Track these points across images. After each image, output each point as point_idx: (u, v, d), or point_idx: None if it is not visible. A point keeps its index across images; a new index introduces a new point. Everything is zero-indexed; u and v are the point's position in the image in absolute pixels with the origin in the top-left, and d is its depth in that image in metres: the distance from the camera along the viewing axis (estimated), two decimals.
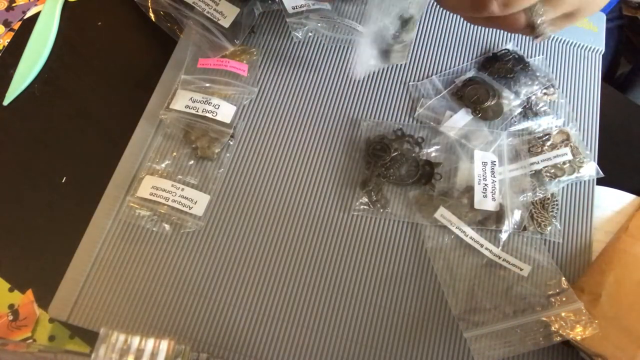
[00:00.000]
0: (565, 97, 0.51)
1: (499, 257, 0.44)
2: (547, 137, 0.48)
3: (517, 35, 0.54)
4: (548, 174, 0.47)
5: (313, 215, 0.46)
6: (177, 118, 0.47)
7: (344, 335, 0.42)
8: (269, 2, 0.51)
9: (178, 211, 0.45)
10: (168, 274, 0.43)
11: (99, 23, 0.54)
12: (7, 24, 0.54)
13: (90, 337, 0.43)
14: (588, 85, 0.52)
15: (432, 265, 0.45)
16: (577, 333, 0.40)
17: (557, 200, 0.47)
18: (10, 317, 0.43)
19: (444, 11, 0.55)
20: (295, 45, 0.52)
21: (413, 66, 0.52)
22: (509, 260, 0.44)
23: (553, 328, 0.41)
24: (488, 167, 0.46)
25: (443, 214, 0.45)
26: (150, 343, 0.33)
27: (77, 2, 0.54)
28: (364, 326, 0.43)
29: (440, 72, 0.52)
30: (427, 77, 0.52)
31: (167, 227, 0.45)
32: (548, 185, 0.47)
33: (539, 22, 0.34)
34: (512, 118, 0.49)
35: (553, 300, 0.42)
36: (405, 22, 0.42)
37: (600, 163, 0.48)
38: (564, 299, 0.42)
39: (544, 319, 0.41)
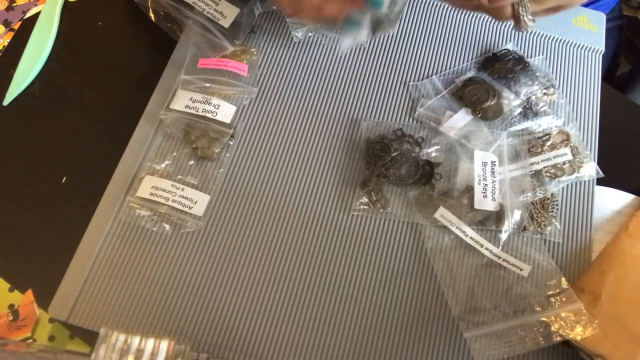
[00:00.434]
0: (565, 97, 0.51)
1: (499, 257, 0.44)
2: (547, 137, 0.48)
3: (517, 35, 0.54)
4: (548, 174, 0.47)
5: (313, 215, 0.46)
6: (177, 118, 0.47)
7: (344, 335, 0.42)
8: (269, 2, 0.51)
9: (178, 211, 0.45)
10: (168, 274, 0.43)
11: (99, 23, 0.54)
12: (7, 24, 0.54)
13: (90, 337, 0.43)
14: (588, 85, 0.52)
15: (432, 265, 0.45)
16: (577, 333, 0.40)
17: (557, 200, 0.47)
18: (10, 317, 0.43)
19: (444, 11, 0.55)
20: (295, 45, 0.52)
21: (413, 66, 0.52)
22: (509, 260, 0.44)
23: (553, 328, 0.41)
24: (488, 167, 0.46)
25: (443, 214, 0.45)
26: (150, 343, 0.33)
27: (77, 2, 0.54)
28: (364, 326, 0.43)
29: (440, 72, 0.52)
30: (427, 77, 0.52)
31: (167, 227, 0.45)
32: (548, 185, 0.47)
33: (523, 15, 0.36)
34: (512, 118, 0.49)
35: (553, 300, 0.42)
36: None
37: (600, 163, 0.48)
38: (564, 299, 0.42)
39: (544, 319, 0.41)
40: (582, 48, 0.54)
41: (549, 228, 0.46)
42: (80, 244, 0.44)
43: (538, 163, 0.47)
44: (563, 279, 0.43)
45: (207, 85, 0.48)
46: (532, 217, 0.46)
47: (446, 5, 0.55)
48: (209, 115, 0.47)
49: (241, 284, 0.43)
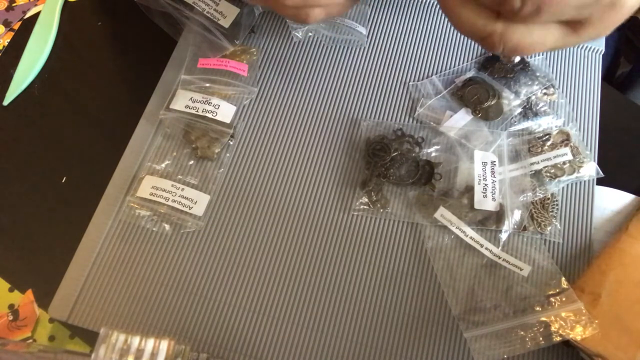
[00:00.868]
0: (565, 97, 0.51)
1: (499, 257, 0.44)
2: (547, 137, 0.48)
3: None
4: (548, 174, 0.47)
5: (313, 215, 0.46)
6: (177, 118, 0.47)
7: (344, 335, 0.42)
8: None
9: (178, 211, 0.45)
10: (168, 274, 0.43)
11: (99, 23, 0.54)
12: (7, 24, 0.54)
13: (90, 337, 0.43)
14: (588, 85, 0.52)
15: (432, 265, 0.45)
16: (577, 333, 0.40)
17: (557, 200, 0.47)
18: (10, 317, 0.43)
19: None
20: (295, 45, 0.52)
21: (413, 66, 0.52)
22: (509, 260, 0.44)
23: (553, 328, 0.41)
24: (488, 167, 0.46)
25: (443, 214, 0.45)
26: (150, 343, 0.33)
27: (77, 2, 0.54)
28: (364, 326, 0.43)
29: (440, 72, 0.52)
30: (427, 77, 0.52)
31: (167, 227, 0.45)
32: (548, 185, 0.47)
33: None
34: (512, 118, 0.49)
35: (553, 300, 0.42)
36: None
37: (600, 163, 0.48)
38: (564, 299, 0.42)
39: (544, 319, 0.41)
40: (582, 48, 0.54)
41: (549, 228, 0.46)
42: (80, 244, 0.44)
43: (538, 163, 0.47)
44: (563, 279, 0.43)
45: (207, 85, 0.48)
46: (532, 217, 0.46)
47: None
48: (209, 115, 0.47)
49: (241, 284, 0.43)
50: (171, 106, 0.47)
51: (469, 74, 0.51)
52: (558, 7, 0.28)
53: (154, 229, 0.44)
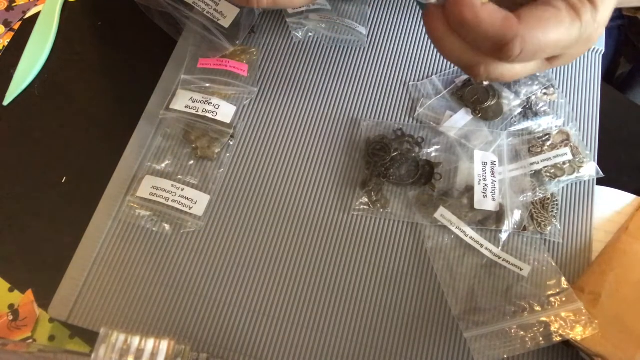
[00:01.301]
0: (565, 97, 0.51)
1: (499, 257, 0.44)
2: (547, 137, 0.48)
3: None
4: (548, 174, 0.47)
5: (313, 215, 0.46)
6: (177, 118, 0.47)
7: (343, 335, 0.42)
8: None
9: (178, 211, 0.45)
10: (168, 274, 0.43)
11: (99, 23, 0.54)
12: (7, 24, 0.54)
13: (90, 337, 0.43)
14: (588, 85, 0.52)
15: (432, 265, 0.45)
16: (577, 333, 0.40)
17: (557, 200, 0.47)
18: (10, 317, 0.43)
19: None
20: (295, 45, 0.52)
21: (413, 66, 0.52)
22: (509, 260, 0.44)
23: (553, 328, 0.41)
24: (488, 167, 0.46)
25: (443, 214, 0.45)
26: (150, 343, 0.33)
27: (77, 2, 0.54)
28: (364, 326, 0.43)
29: (440, 72, 0.52)
30: (427, 77, 0.52)
31: (167, 227, 0.45)
32: (548, 185, 0.47)
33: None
34: (512, 118, 0.49)
35: (553, 300, 0.42)
36: None
37: (600, 163, 0.48)
38: (564, 299, 0.42)
39: (544, 319, 0.41)
40: None
41: (549, 228, 0.46)
42: (80, 244, 0.44)
43: (538, 163, 0.47)
44: (563, 279, 0.43)
45: (207, 85, 0.48)
46: (532, 217, 0.46)
47: None
48: (209, 115, 0.47)
49: (241, 284, 0.43)
50: (171, 106, 0.47)
51: None
52: (549, 50, 0.30)
53: (154, 229, 0.44)
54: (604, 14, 0.30)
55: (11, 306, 0.43)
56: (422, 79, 0.51)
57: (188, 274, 0.43)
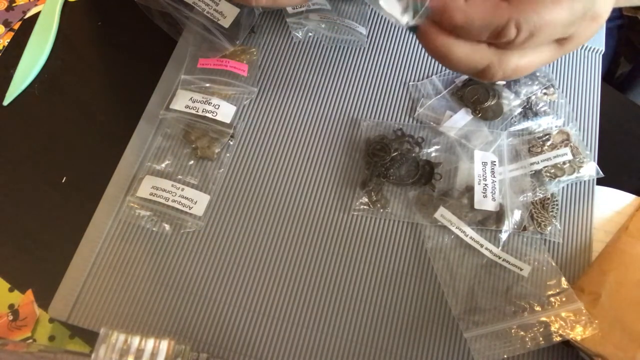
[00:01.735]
0: (565, 97, 0.51)
1: (499, 257, 0.44)
2: (547, 137, 0.48)
3: None
4: (548, 174, 0.47)
5: (313, 215, 0.46)
6: (177, 118, 0.47)
7: (344, 335, 0.42)
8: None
9: (178, 211, 0.45)
10: (168, 274, 0.43)
11: (99, 23, 0.54)
12: (7, 24, 0.54)
13: (90, 337, 0.43)
14: (588, 85, 0.52)
15: (432, 265, 0.45)
16: (577, 333, 0.40)
17: (557, 200, 0.47)
18: (10, 317, 0.43)
19: None
20: (295, 45, 0.52)
21: (413, 66, 0.52)
22: (509, 260, 0.44)
23: (553, 328, 0.41)
24: (488, 167, 0.46)
25: (443, 214, 0.45)
26: (150, 343, 0.33)
27: (77, 2, 0.54)
28: (364, 326, 0.43)
29: (440, 72, 0.52)
30: (427, 77, 0.52)
31: (167, 227, 0.45)
32: (548, 185, 0.47)
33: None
34: (512, 118, 0.49)
35: (553, 300, 0.42)
36: None
37: (600, 163, 0.48)
38: (564, 299, 0.42)
39: (544, 319, 0.41)
40: (582, 48, 0.54)
41: (549, 228, 0.46)
42: (80, 244, 0.44)
43: (538, 163, 0.47)
44: (563, 279, 0.43)
45: (207, 85, 0.48)
46: (532, 217, 0.46)
47: None
48: (209, 115, 0.47)
49: (241, 284, 0.43)
50: (171, 106, 0.47)
51: None
52: (549, 30, 0.29)
53: (154, 229, 0.44)
54: None
55: (11, 306, 0.43)
56: (422, 79, 0.51)
57: (188, 274, 0.43)
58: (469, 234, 0.45)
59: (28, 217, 0.46)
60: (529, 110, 0.50)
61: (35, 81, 0.51)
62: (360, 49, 0.52)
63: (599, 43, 0.54)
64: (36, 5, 0.54)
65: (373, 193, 0.46)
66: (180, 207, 0.45)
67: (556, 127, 0.49)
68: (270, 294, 0.43)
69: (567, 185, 0.48)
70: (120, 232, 0.44)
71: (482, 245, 0.45)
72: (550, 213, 0.46)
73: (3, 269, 0.44)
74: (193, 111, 0.47)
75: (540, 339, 0.41)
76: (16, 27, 0.53)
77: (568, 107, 0.51)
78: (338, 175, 0.47)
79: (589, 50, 0.54)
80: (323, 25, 0.51)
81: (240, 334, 0.42)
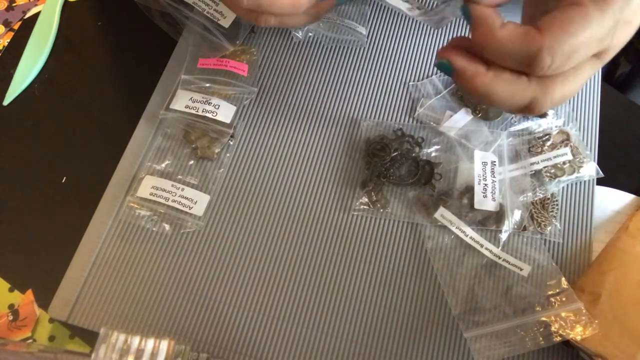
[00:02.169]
0: None
1: (499, 257, 0.44)
2: (547, 137, 0.48)
3: None
4: (548, 174, 0.47)
5: (313, 215, 0.46)
6: (177, 118, 0.47)
7: (343, 335, 0.42)
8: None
9: (178, 211, 0.45)
10: (168, 274, 0.43)
11: (99, 23, 0.54)
12: (7, 24, 0.54)
13: (90, 337, 0.43)
14: (588, 85, 0.52)
15: (432, 265, 0.45)
16: (577, 333, 0.40)
17: (557, 200, 0.47)
18: (10, 317, 0.43)
19: None
20: (295, 45, 0.52)
21: (413, 66, 0.52)
22: (509, 260, 0.44)
23: (553, 328, 0.41)
24: (488, 167, 0.46)
25: (443, 214, 0.45)
26: (150, 343, 0.33)
27: (77, 2, 0.54)
28: (364, 326, 0.43)
29: (440, 72, 0.52)
30: (427, 77, 0.52)
31: (167, 227, 0.45)
32: (548, 185, 0.47)
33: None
34: (512, 118, 0.49)
35: (553, 300, 0.42)
36: None
37: (600, 163, 0.48)
38: (564, 299, 0.42)
39: (544, 319, 0.41)
40: None
41: (549, 228, 0.46)
42: (80, 244, 0.44)
43: (538, 163, 0.47)
44: (563, 279, 0.43)
45: (207, 85, 0.48)
46: (532, 217, 0.46)
47: None
48: (209, 115, 0.47)
49: (241, 284, 0.43)
50: (171, 106, 0.47)
51: None
52: (585, 50, 0.28)
53: (154, 229, 0.44)
54: None
55: (11, 306, 0.43)
56: (422, 79, 0.51)
57: (188, 274, 0.43)
58: (469, 234, 0.45)
59: (28, 217, 0.46)
60: None
61: (35, 81, 0.51)
62: (360, 49, 0.52)
63: None
64: (36, 5, 0.54)
65: (373, 193, 0.46)
66: (180, 207, 0.45)
67: (556, 127, 0.49)
68: (270, 294, 0.43)
69: (567, 185, 0.48)
70: (120, 232, 0.44)
71: (482, 245, 0.45)
72: (550, 213, 0.46)
73: (3, 269, 0.44)
74: (193, 111, 0.47)
75: (540, 339, 0.41)
76: (16, 27, 0.53)
77: (568, 107, 0.51)
78: (338, 175, 0.47)
79: None
80: (323, 25, 0.51)
81: (240, 334, 0.42)
